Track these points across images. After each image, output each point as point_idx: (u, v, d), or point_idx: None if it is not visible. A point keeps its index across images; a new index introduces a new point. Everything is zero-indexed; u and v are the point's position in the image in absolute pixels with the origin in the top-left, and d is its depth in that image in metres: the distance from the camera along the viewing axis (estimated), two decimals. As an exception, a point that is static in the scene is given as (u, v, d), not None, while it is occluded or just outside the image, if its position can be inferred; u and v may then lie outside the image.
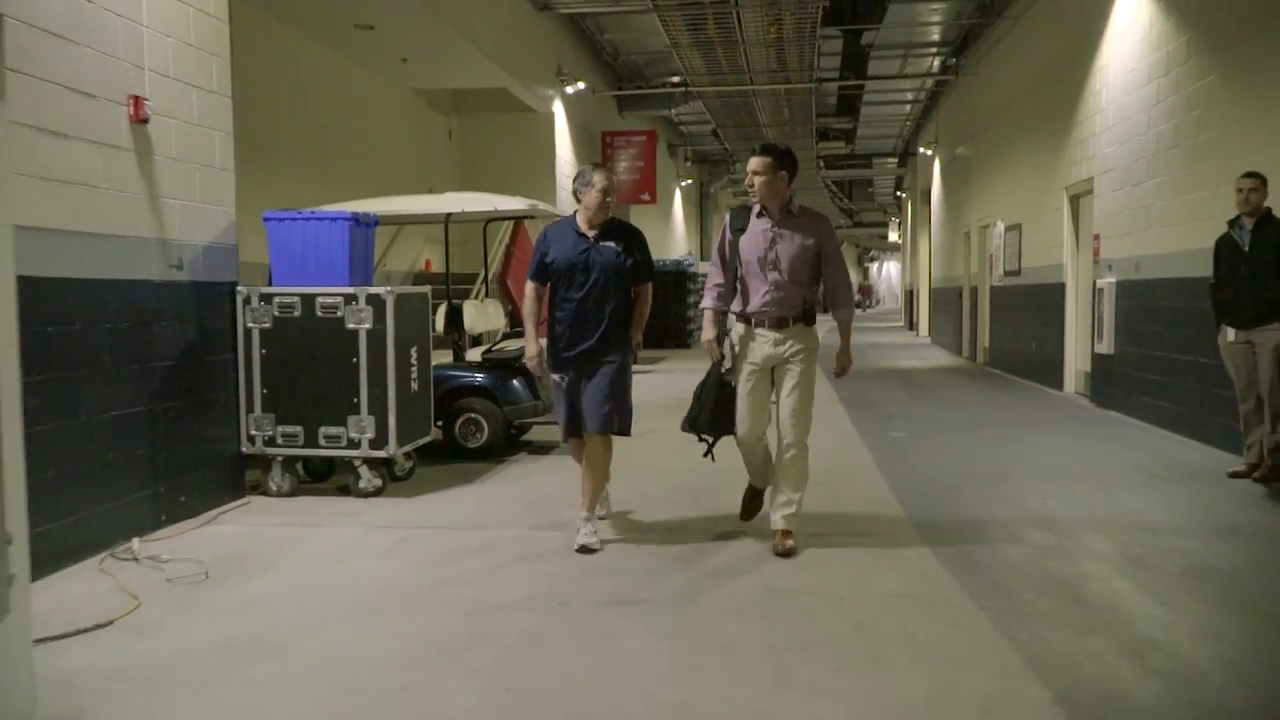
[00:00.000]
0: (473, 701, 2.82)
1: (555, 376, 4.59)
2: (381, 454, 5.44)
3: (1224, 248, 5.94)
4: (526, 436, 7.57)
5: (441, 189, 13.01)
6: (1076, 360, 10.36)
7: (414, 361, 5.69)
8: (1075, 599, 3.65)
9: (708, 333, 4.52)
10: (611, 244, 4.52)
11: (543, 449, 7.20)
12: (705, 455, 4.54)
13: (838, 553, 4.30)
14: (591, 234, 4.51)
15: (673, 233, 23.99)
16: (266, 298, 5.43)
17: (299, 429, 5.44)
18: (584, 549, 4.32)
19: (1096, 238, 9.43)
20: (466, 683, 2.95)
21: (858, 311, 47.48)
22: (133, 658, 3.14)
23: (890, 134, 23.92)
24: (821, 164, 24.99)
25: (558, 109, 13.61)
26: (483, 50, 10.38)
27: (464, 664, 3.09)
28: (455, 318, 7.07)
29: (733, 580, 3.93)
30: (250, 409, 5.45)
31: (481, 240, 7.99)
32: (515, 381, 6.83)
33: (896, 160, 27.10)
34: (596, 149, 16.07)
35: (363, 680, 2.97)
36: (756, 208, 4.42)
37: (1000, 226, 13.57)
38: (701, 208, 28.27)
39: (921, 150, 22.00)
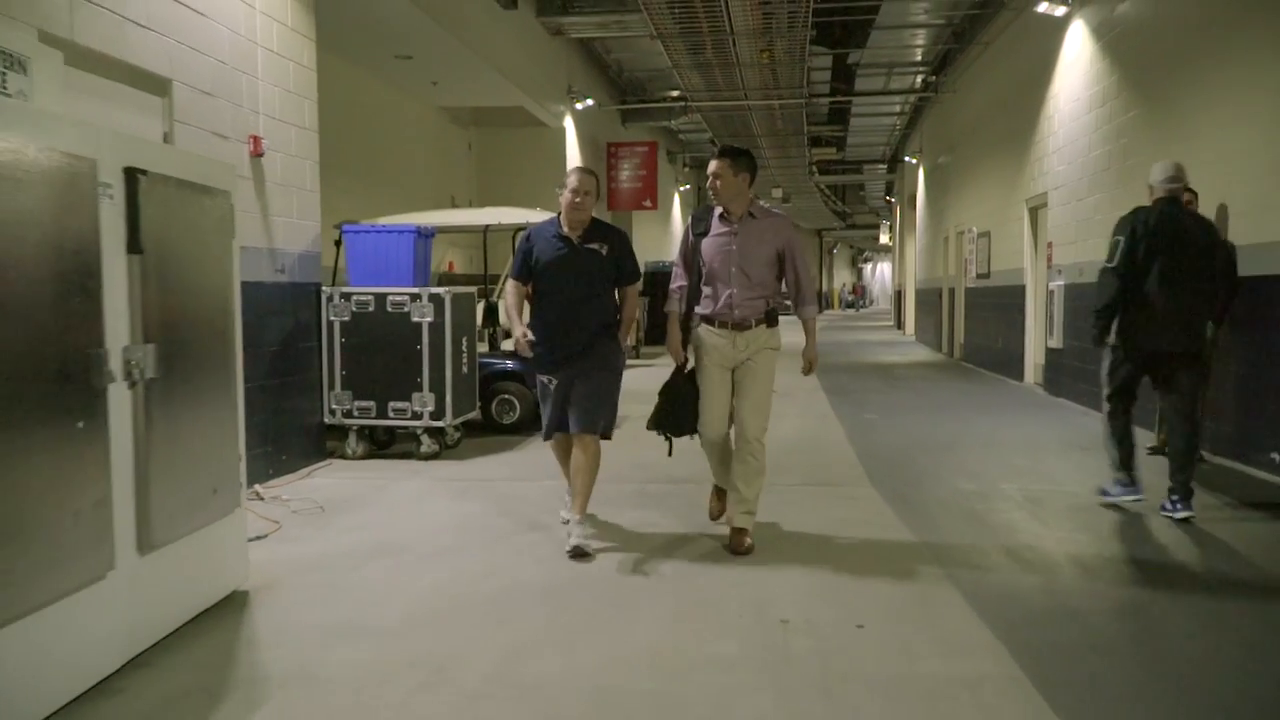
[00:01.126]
0: (541, 578, 4.02)
1: (542, 378, 4.62)
2: (439, 424, 6.66)
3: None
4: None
5: (461, 198, 14.30)
6: (1034, 354, 11.60)
7: (464, 349, 6.91)
8: (980, 523, 4.89)
9: (672, 336, 4.54)
10: (594, 246, 4.50)
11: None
12: (669, 455, 4.66)
13: (808, 492, 5.54)
14: (573, 236, 4.50)
15: (671, 235, 25.21)
16: (346, 296, 6.64)
17: (371, 403, 6.66)
18: (577, 550, 4.28)
19: (1050, 245, 10.67)
20: (535, 571, 4.16)
21: (850, 312, 49.07)
22: (291, 556, 4.35)
23: (879, 142, 25.16)
24: (815, 170, 26.27)
25: (568, 123, 14.83)
26: (504, 74, 11.58)
27: (532, 557, 4.31)
28: (491, 314, 8.29)
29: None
30: (332, 386, 6.67)
31: (511, 247, 9.21)
32: (542, 368, 8.04)
33: (886, 166, 28.36)
34: (603, 159, 17.29)
35: (459, 569, 4.18)
36: (719, 210, 4.45)
37: (973, 232, 14.81)
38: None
39: (907, 159, 23.24)
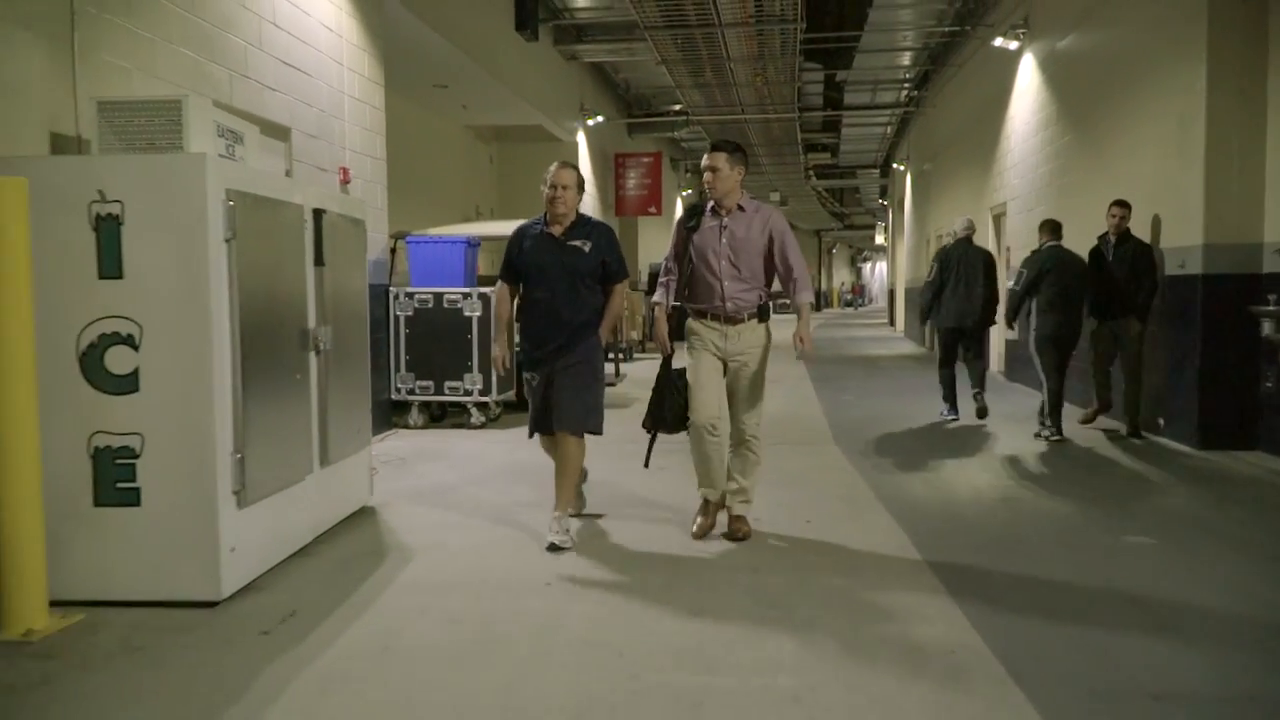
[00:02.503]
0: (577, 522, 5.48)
1: (526, 375, 4.64)
2: (486, 400, 8.14)
3: (1094, 259, 7.56)
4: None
5: (484, 206, 15.79)
6: (998, 345, 13.06)
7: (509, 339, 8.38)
8: (918, 467, 6.37)
9: (659, 327, 4.61)
10: (579, 243, 4.48)
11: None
12: (645, 466, 4.83)
13: (785, 448, 7.00)
14: (557, 233, 4.49)
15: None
16: (409, 295, 8.12)
17: (430, 382, 8.13)
18: (554, 548, 4.35)
19: (1008, 249, 12.15)
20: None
21: (849, 310, 50.47)
22: (393, 489, 5.81)
23: (871, 149, 26.61)
24: (812, 174, 27.76)
25: (580, 138, 16.31)
26: (524, 97, 13.05)
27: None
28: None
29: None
30: (398, 369, 8.15)
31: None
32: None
33: (879, 171, 29.80)
34: (611, 168, 18.79)
35: (520, 493, 5.65)
36: (709, 205, 4.50)
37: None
38: (700, 214, 30.91)
39: (895, 165, 24.70)
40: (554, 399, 4.48)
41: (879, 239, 41.43)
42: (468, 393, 8.12)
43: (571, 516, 4.70)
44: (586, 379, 4.51)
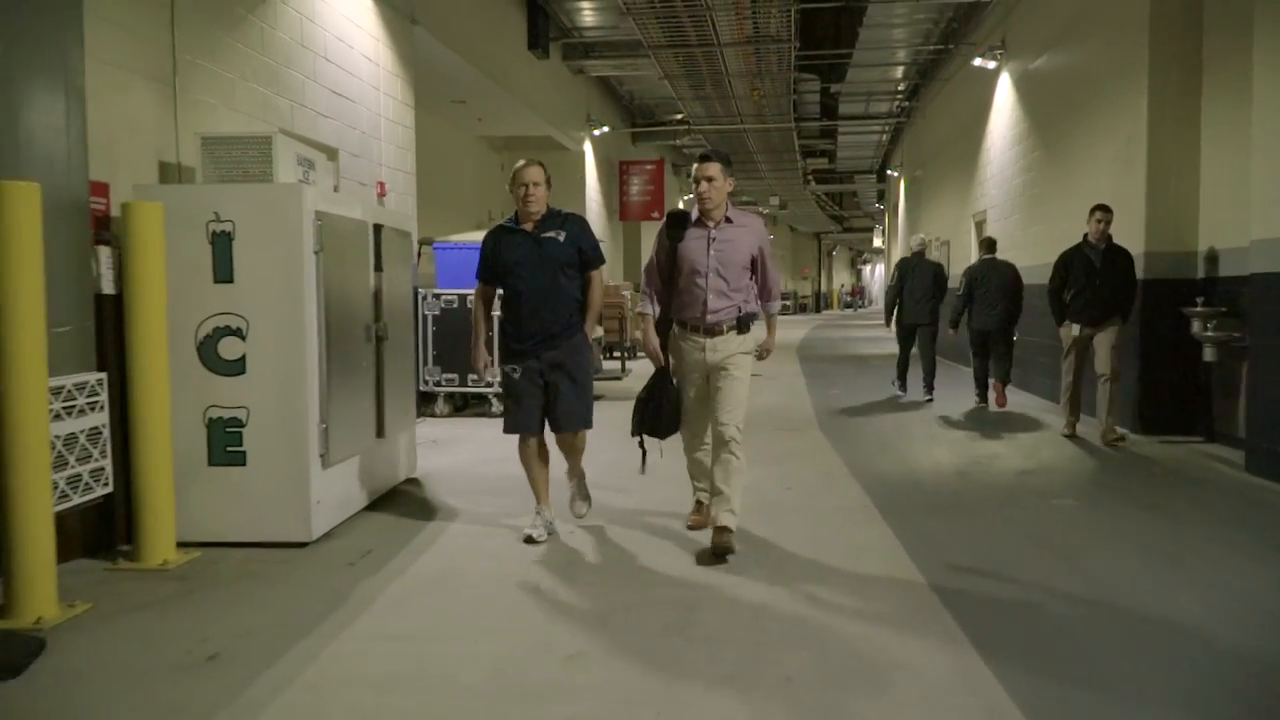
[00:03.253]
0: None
1: (507, 368, 4.70)
2: (505, 390, 9.00)
3: (1077, 263, 7.35)
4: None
5: (496, 212, 16.64)
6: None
7: (522, 335, 9.24)
8: (889, 448, 7.22)
9: (649, 338, 4.60)
10: (553, 234, 4.53)
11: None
12: (642, 472, 4.79)
13: (774, 432, 7.86)
14: (530, 228, 4.55)
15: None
16: (437, 295, 8.99)
17: (455, 375, 9.00)
18: (529, 540, 4.55)
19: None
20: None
21: (849, 311, 51.40)
22: (429, 466, 6.66)
23: (867, 155, 27.46)
24: (811, 179, 28.65)
25: (586, 147, 17.19)
26: (535, 110, 13.93)
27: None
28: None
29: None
30: (425, 363, 9.01)
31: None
32: (577, 351, 10.41)
33: (876, 176, 30.66)
34: (615, 176, 19.67)
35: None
36: (694, 214, 4.44)
37: (936, 240, 17.13)
38: (702, 218, 31.80)
39: (890, 171, 25.56)
40: (559, 402, 4.59)
41: (877, 242, 42.31)
42: (489, 385, 8.98)
43: (580, 516, 5.03)
44: (583, 379, 4.65)
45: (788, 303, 50.00)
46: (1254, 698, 2.89)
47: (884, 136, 24.10)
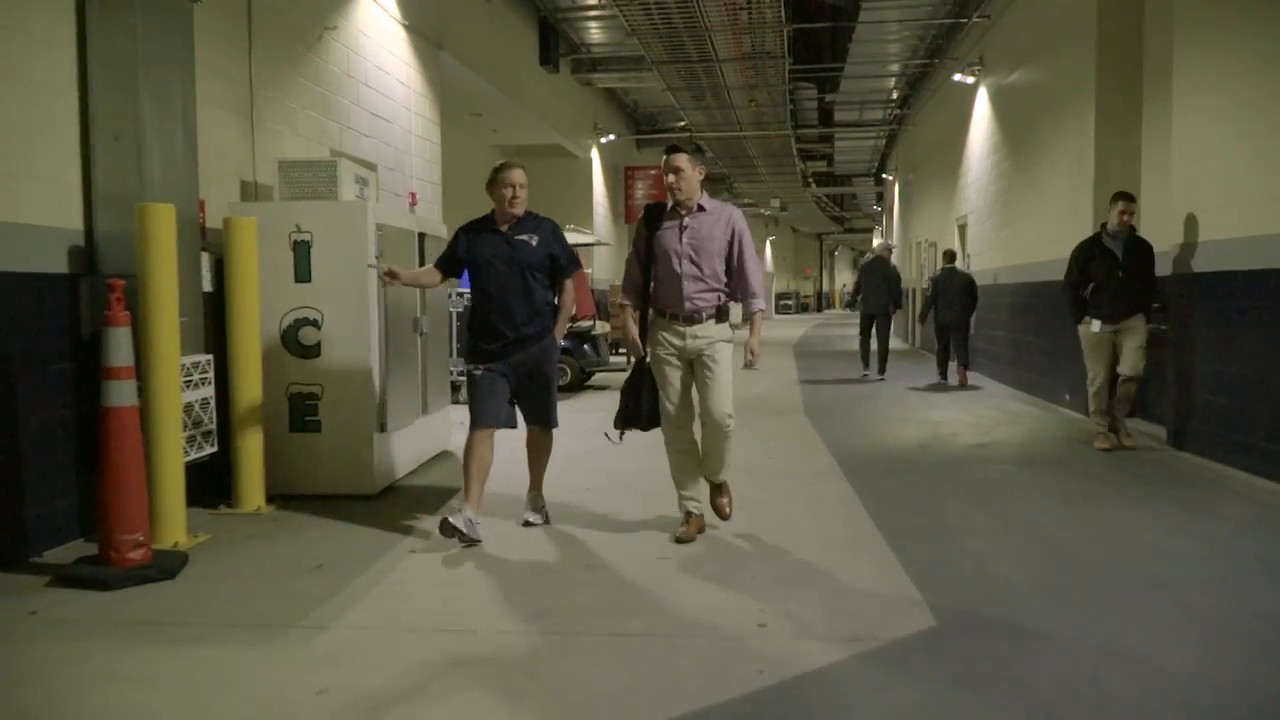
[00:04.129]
0: (591, 469, 7.31)
1: (471, 367, 4.72)
2: (522, 380, 9.97)
3: (1096, 256, 6.85)
4: (591, 382, 12.12)
5: (509, 215, 17.62)
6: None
7: (538, 330, 10.23)
8: (864, 428, 8.18)
9: (628, 330, 4.59)
10: (525, 237, 4.57)
11: (600, 388, 11.75)
12: (620, 441, 4.82)
13: (765, 415, 8.83)
14: (505, 229, 4.61)
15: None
16: (461, 294, 9.97)
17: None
18: (451, 525, 4.40)
19: (968, 257, 13.96)
20: (593, 463, 7.46)
21: (849, 311, 52.22)
22: (459, 440, 7.63)
23: (864, 159, 28.41)
24: (812, 182, 29.62)
25: (594, 154, 18.17)
26: (545, 120, 14.91)
27: (598, 449, 7.62)
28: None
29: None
30: (452, 354, 9.99)
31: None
32: (586, 345, 11.39)
33: (873, 179, 31.61)
34: (621, 180, 20.65)
35: (560, 441, 7.49)
36: (669, 205, 4.51)
37: (926, 242, 18.09)
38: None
39: (885, 175, 26.50)
40: (528, 400, 4.75)
41: (875, 242, 43.22)
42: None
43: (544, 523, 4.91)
44: (550, 380, 4.77)
45: (789, 302, 51.08)
46: (1138, 605, 3.84)
47: (879, 142, 25.06)
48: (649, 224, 4.55)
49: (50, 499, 4.43)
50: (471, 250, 4.66)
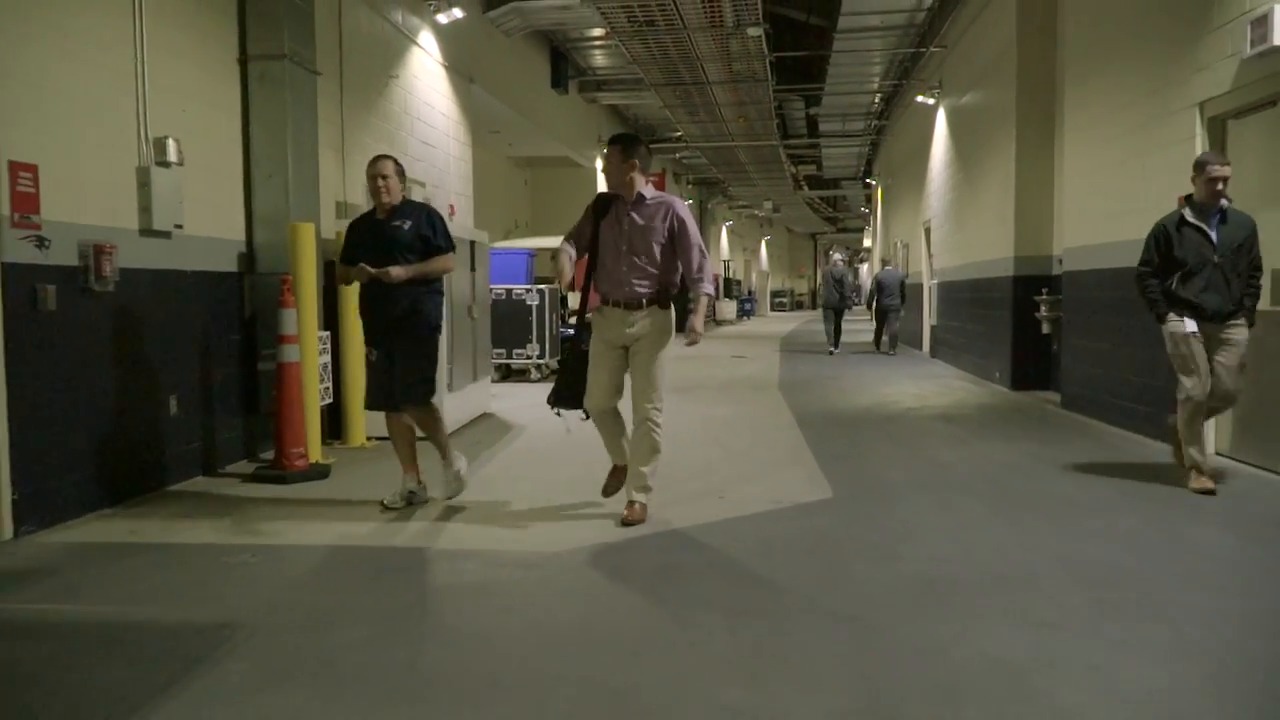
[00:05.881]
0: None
1: (367, 349, 5.03)
2: (542, 362, 11.82)
3: (1184, 238, 5.16)
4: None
5: (520, 221, 19.48)
6: (927, 331, 16.71)
7: (552, 320, 12.08)
8: (825, 397, 10.01)
9: (563, 269, 4.58)
10: (399, 223, 4.89)
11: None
12: (568, 432, 5.24)
13: (744, 391, 10.65)
14: (382, 216, 4.95)
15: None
16: (488, 289, 11.79)
17: (504, 349, 11.82)
18: (384, 507, 5.03)
19: (931, 257, 15.80)
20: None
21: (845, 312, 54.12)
22: (495, 407, 9.47)
23: (851, 163, 30.23)
24: (805, 185, 31.51)
25: (598, 164, 19.99)
26: (555, 136, 16.73)
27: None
28: (563, 300, 13.46)
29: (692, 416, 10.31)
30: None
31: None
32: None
33: (861, 183, 33.41)
34: (623, 187, 22.46)
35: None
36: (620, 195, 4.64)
37: (900, 243, 19.92)
38: (700, 220, 34.79)
39: (868, 180, 28.33)
40: (395, 377, 4.95)
41: (866, 242, 44.98)
42: (529, 357, 11.80)
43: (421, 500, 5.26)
44: (415, 355, 4.97)
45: (783, 300, 52.81)
46: (971, 490, 5.64)
47: (863, 149, 26.87)
48: (596, 211, 4.70)
49: (227, 430, 6.27)
50: (351, 238, 5.10)
